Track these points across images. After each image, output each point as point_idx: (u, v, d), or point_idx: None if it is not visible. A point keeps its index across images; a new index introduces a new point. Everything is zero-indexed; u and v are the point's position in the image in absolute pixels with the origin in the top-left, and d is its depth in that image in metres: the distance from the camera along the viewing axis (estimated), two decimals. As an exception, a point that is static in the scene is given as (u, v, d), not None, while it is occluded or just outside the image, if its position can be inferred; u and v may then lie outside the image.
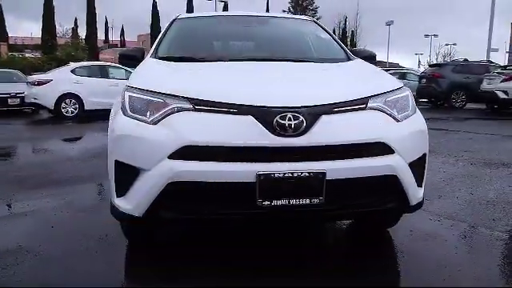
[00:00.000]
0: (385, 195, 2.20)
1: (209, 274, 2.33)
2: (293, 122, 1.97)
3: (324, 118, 2.04)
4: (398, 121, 2.23)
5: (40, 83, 11.29)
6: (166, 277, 2.31)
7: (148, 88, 2.23)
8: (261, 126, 1.97)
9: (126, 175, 2.14)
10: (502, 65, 16.55)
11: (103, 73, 11.70)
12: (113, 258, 2.55)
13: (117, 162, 2.17)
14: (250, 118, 1.99)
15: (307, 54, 3.31)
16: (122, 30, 72.72)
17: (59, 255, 2.55)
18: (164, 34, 3.38)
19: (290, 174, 1.95)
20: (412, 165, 2.22)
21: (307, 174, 1.96)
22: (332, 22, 48.55)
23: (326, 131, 2.02)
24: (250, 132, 1.97)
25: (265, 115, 1.99)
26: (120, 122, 2.20)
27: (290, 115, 1.98)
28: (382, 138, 2.11)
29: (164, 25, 3.80)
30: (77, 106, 11.30)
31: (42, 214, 3.33)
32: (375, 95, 2.24)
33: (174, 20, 3.62)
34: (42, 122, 11.47)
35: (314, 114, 2.03)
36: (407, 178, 2.18)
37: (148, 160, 2.03)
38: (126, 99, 2.25)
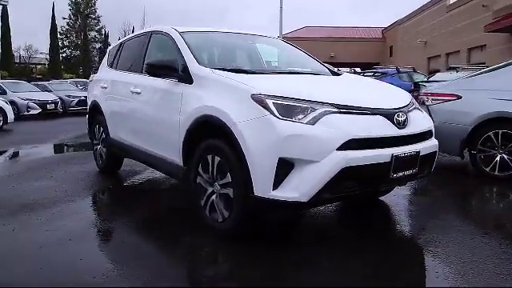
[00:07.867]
0: (428, 165, 3.30)
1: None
2: (403, 118, 2.89)
3: (409, 114, 3.01)
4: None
5: None
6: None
7: (290, 96, 2.72)
8: (389, 122, 2.80)
9: (285, 169, 2.61)
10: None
11: None
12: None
13: (280, 159, 2.59)
14: (381, 117, 2.80)
15: (314, 68, 4.14)
16: None
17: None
18: (189, 47, 3.54)
19: (408, 154, 2.85)
20: None
21: (413, 153, 2.90)
22: (117, 32, 47.81)
23: (414, 123, 2.99)
24: (384, 126, 2.79)
25: (388, 114, 2.83)
26: (279, 125, 2.60)
27: (400, 113, 2.88)
28: (430, 126, 3.23)
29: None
30: None
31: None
32: (412, 98, 3.34)
33: (180, 33, 3.75)
34: None
35: (406, 112, 2.98)
36: (437, 154, 3.35)
37: (318, 153, 2.57)
38: (272, 105, 2.67)
